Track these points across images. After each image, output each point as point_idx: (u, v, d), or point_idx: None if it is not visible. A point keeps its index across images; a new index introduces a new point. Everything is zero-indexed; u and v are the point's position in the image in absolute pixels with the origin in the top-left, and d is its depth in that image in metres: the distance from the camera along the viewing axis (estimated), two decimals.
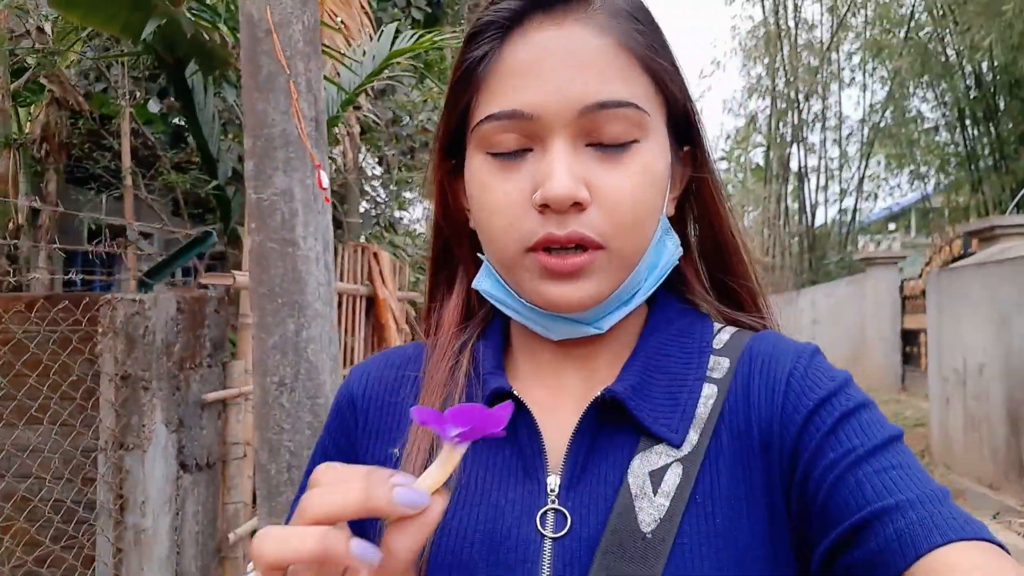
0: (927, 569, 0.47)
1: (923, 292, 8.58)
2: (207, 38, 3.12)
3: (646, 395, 0.60)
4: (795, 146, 17.47)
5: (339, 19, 3.75)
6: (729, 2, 25.14)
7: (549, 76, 0.57)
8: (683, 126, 0.65)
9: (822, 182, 17.56)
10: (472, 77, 0.61)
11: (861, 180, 16.89)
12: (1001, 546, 0.48)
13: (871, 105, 16.54)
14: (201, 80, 3.64)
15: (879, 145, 16.24)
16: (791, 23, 17.05)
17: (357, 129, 4.86)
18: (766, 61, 17.44)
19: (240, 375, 2.77)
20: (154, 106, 4.84)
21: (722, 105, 25.39)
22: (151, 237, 4.79)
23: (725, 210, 0.68)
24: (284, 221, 2.19)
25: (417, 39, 3.76)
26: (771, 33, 17.06)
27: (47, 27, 4.38)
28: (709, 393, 0.60)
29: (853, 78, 17.19)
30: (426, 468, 0.58)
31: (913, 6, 13.84)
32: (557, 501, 0.58)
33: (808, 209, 17.35)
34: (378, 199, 6.28)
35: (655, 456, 0.58)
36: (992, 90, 11.91)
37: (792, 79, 16.72)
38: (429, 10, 6.14)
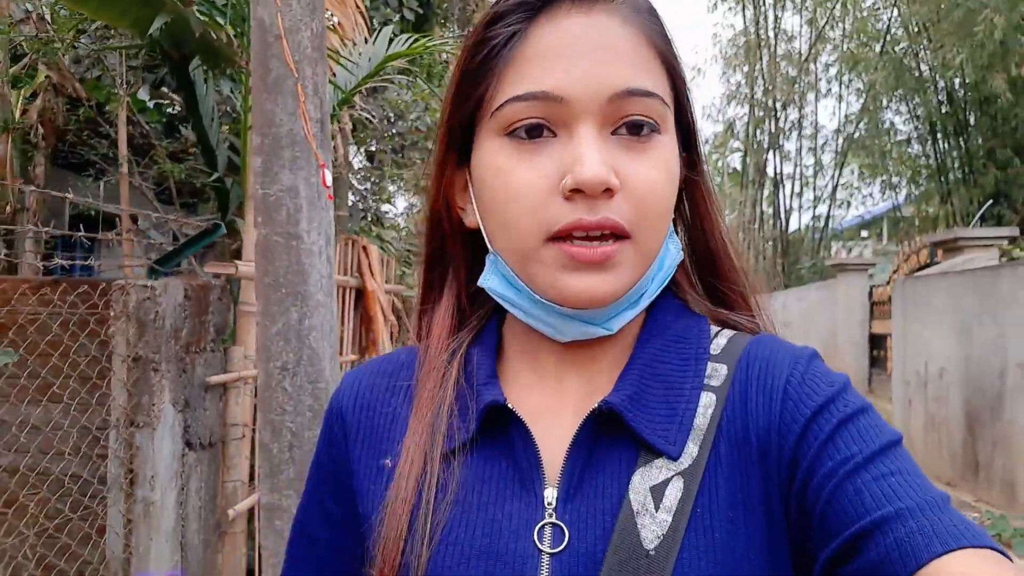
0: None
1: (890, 298, 8.88)
2: (214, 36, 3.24)
3: (643, 405, 0.59)
4: (771, 153, 17.85)
5: (335, 19, 3.87)
6: (712, 9, 25.42)
7: (579, 60, 0.56)
8: (685, 129, 0.65)
9: (797, 189, 17.98)
10: (494, 60, 0.59)
11: (835, 188, 17.30)
12: (1002, 552, 0.48)
13: (846, 116, 16.95)
14: (201, 74, 3.75)
15: (852, 155, 16.62)
16: (771, 33, 17.42)
17: (349, 126, 4.99)
18: (746, 69, 17.78)
19: (239, 360, 2.90)
20: (144, 94, 4.93)
21: (701, 111, 25.73)
22: (145, 224, 4.89)
23: (717, 214, 0.68)
24: (289, 216, 2.31)
25: (412, 43, 3.90)
26: (751, 42, 17.40)
27: (47, 14, 4.45)
28: (707, 402, 0.59)
29: (830, 89, 17.64)
30: (418, 482, 0.60)
31: (889, 21, 14.20)
32: (555, 515, 0.57)
33: (782, 215, 17.74)
34: (365, 193, 6.40)
35: (655, 471, 0.57)
36: (963, 106, 12.28)
37: (770, 88, 17.07)
38: (420, 11, 6.27)
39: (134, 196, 4.90)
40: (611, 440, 0.59)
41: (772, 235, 17.69)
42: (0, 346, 2.26)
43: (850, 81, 16.46)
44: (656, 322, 0.65)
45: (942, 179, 12.82)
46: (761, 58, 17.30)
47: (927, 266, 8.31)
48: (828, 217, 17.52)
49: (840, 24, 16.24)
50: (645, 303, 0.62)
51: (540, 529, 0.57)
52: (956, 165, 12.61)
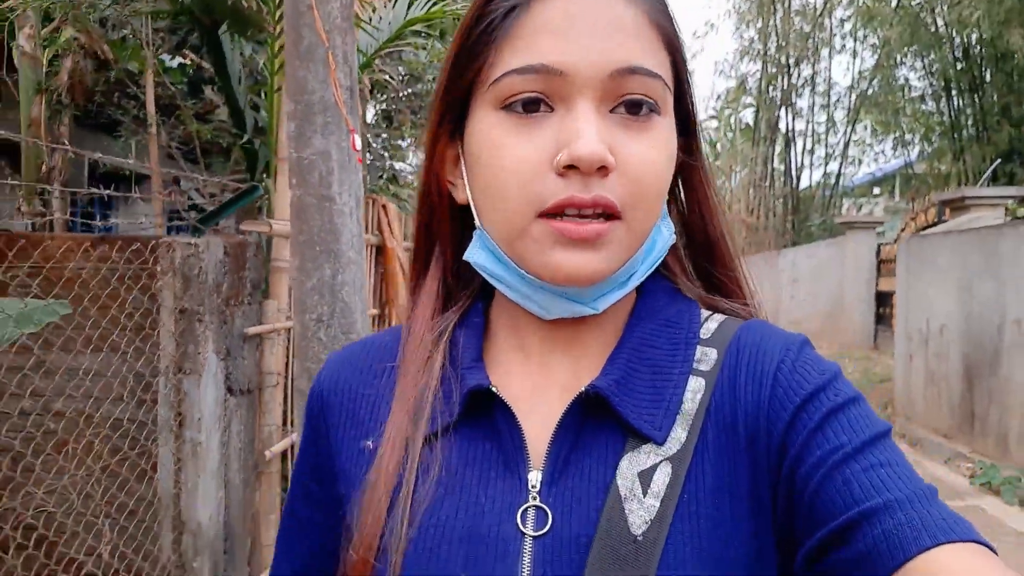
0: (915, 572, 0.47)
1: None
2: (245, 4, 3.38)
3: (631, 390, 0.58)
4: (784, 110, 17.74)
5: None
6: None
7: (582, 35, 0.55)
8: (683, 114, 0.64)
9: (808, 146, 17.90)
10: (493, 32, 0.58)
11: (846, 145, 17.23)
12: (988, 546, 0.48)
13: (860, 72, 16.79)
14: (228, 38, 3.89)
15: (865, 112, 16.53)
16: None
17: (368, 87, 5.11)
18: (759, 25, 17.57)
19: (273, 313, 3.10)
20: (168, 58, 5.06)
21: (714, 67, 25.41)
22: (187, 185, 5.07)
23: (715, 200, 0.68)
24: (322, 178, 2.47)
25: (431, 7, 4.02)
26: None
27: None
28: (696, 387, 0.59)
29: (844, 45, 17.42)
30: (400, 464, 0.60)
31: None
32: (539, 498, 0.57)
33: (793, 172, 17.71)
34: (382, 152, 6.54)
35: (643, 456, 0.57)
36: (979, 62, 12.19)
37: (784, 44, 16.90)
38: None
39: (161, 155, 5.06)
40: (598, 424, 0.58)
41: (783, 193, 17.70)
42: (64, 299, 2.45)
43: (865, 37, 16.30)
44: (646, 305, 0.64)
45: (955, 136, 12.80)
46: (775, 13, 17.10)
47: (935, 224, 8.40)
48: (839, 174, 17.50)
49: None
50: (634, 284, 0.61)
51: (523, 512, 0.57)
52: (970, 122, 12.57)
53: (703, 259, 0.69)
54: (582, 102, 0.55)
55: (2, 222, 4.13)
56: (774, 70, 17.54)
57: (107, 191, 2.85)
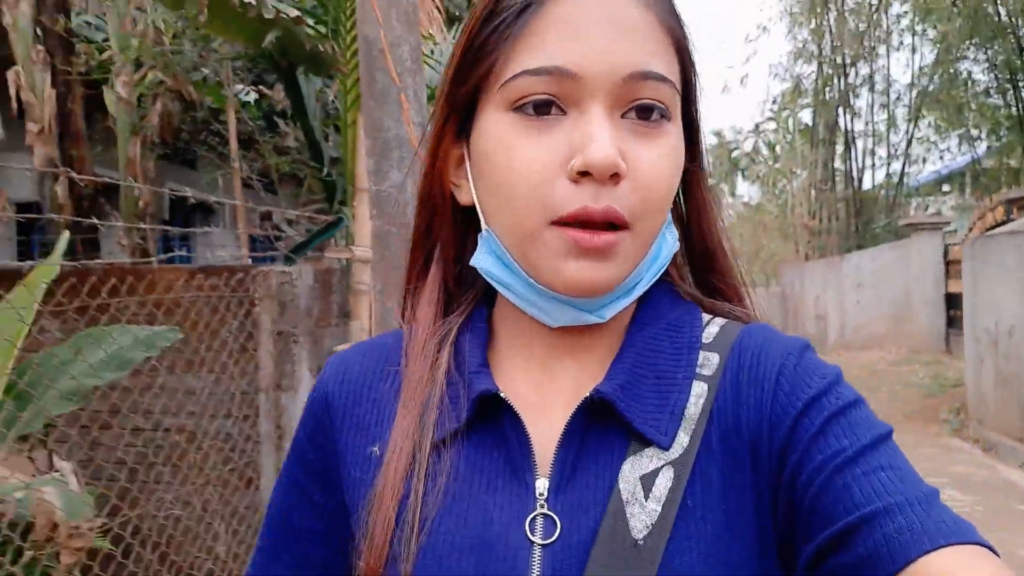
0: (916, 575, 0.47)
1: None
2: (321, 49, 3.67)
3: (636, 395, 0.58)
4: (841, 110, 17.47)
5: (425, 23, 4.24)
6: None
7: (596, 38, 0.55)
8: (687, 118, 0.64)
9: (869, 146, 17.58)
10: (505, 31, 0.57)
11: (909, 143, 16.86)
12: (990, 548, 0.48)
13: (920, 68, 16.44)
14: (303, 78, 4.20)
15: (927, 109, 16.16)
16: None
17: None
18: (812, 25, 17.38)
19: (357, 333, 3.35)
20: (243, 92, 5.43)
21: (768, 69, 25.12)
22: (279, 219, 5.42)
23: (715, 208, 0.67)
24: (399, 209, 2.72)
25: None
26: None
27: (162, 25, 4.97)
28: (699, 392, 0.59)
29: (901, 41, 17.03)
30: (407, 471, 0.59)
31: None
32: (546, 506, 0.57)
33: (855, 173, 17.40)
34: None
35: (646, 460, 0.57)
36: None
37: (839, 44, 16.68)
38: None
39: (231, 187, 5.42)
40: (603, 429, 0.58)
41: (845, 195, 17.40)
42: (170, 324, 2.74)
43: (923, 31, 15.97)
44: (649, 311, 0.64)
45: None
46: (829, 12, 16.89)
47: (1004, 223, 8.25)
48: (903, 174, 17.13)
49: None
50: (639, 292, 0.61)
51: (532, 520, 0.56)
52: None
53: (703, 267, 0.69)
54: (595, 106, 0.55)
55: (111, 256, 4.52)
56: (830, 71, 17.31)
57: (204, 228, 3.14)
